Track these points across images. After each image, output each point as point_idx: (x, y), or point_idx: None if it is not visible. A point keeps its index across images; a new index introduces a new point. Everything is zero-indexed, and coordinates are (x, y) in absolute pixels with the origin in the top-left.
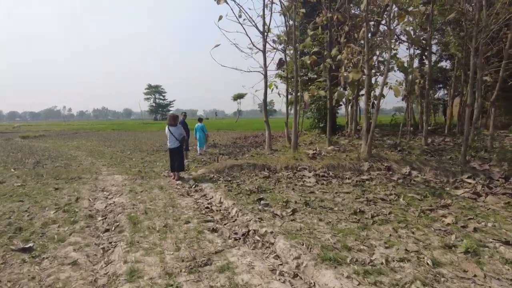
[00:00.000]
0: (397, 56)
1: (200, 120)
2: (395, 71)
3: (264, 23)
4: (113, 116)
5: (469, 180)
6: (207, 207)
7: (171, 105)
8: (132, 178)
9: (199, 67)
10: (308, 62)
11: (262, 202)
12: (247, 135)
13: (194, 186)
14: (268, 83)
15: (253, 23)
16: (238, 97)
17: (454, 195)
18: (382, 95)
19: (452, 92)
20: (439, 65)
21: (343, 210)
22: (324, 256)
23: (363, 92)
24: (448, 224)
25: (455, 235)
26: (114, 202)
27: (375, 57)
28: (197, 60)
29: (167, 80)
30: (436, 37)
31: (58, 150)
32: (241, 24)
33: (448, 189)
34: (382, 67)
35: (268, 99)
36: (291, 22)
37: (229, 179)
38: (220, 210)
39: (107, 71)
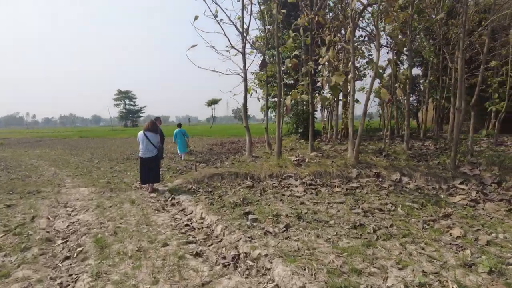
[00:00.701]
0: (373, 61)
1: (179, 125)
2: (370, 76)
3: (243, 24)
4: (81, 123)
5: (462, 186)
6: (187, 225)
7: (142, 111)
8: (100, 191)
9: (172, 72)
10: (289, 65)
11: (249, 216)
12: (223, 141)
13: (170, 199)
14: (247, 87)
15: (232, 22)
16: (212, 102)
17: (451, 203)
18: (369, 99)
19: (427, 97)
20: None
21: (340, 223)
22: (333, 284)
23: (341, 96)
24: (458, 237)
25: (470, 250)
26: (78, 220)
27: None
28: (170, 64)
29: (138, 86)
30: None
31: (17, 160)
32: (218, 23)
33: (443, 196)
34: (357, 72)
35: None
36: (269, 27)
37: (210, 190)
38: (202, 227)
39: (75, 76)
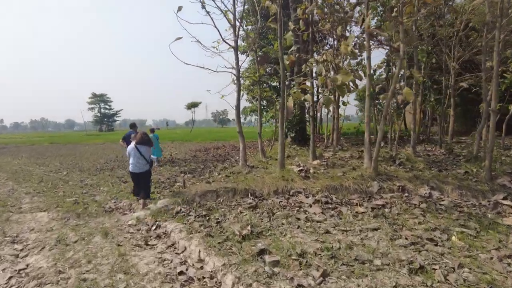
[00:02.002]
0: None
1: (152, 130)
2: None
3: (235, 15)
4: (54, 127)
5: (507, 202)
6: (181, 272)
7: (118, 115)
8: (64, 217)
9: (149, 74)
10: (287, 62)
11: (266, 258)
12: (207, 147)
13: (154, 227)
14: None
15: (222, 12)
16: (192, 105)
17: (506, 225)
18: (391, 100)
19: (421, 99)
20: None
21: (390, 264)
22: None
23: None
24: None
25: None
26: (27, 266)
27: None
28: (146, 66)
29: (114, 88)
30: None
31: None
32: (208, 13)
33: (490, 216)
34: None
35: (223, 108)
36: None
37: (204, 213)
38: (204, 277)
39: (47, 77)
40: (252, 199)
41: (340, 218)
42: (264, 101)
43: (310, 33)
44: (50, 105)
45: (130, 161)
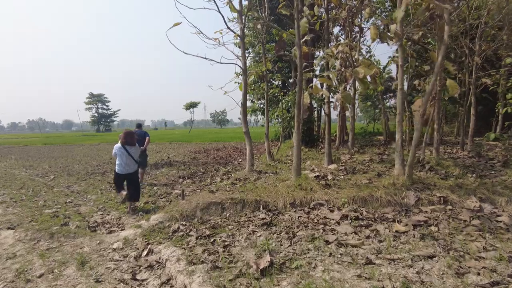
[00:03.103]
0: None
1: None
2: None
3: (241, 1)
4: (51, 128)
5: None
6: None
7: (116, 115)
8: (34, 237)
9: (148, 74)
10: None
11: None
12: (207, 148)
13: (146, 252)
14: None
15: None
16: (191, 106)
17: None
18: (430, 95)
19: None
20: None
21: None
22: None
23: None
24: None
25: None
26: None
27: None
28: (145, 66)
29: (112, 89)
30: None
31: None
32: None
33: None
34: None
35: (222, 108)
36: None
37: (207, 232)
38: None
39: (45, 77)
40: (265, 213)
41: (380, 241)
42: (263, 101)
43: (326, 21)
44: (48, 106)
45: (117, 162)
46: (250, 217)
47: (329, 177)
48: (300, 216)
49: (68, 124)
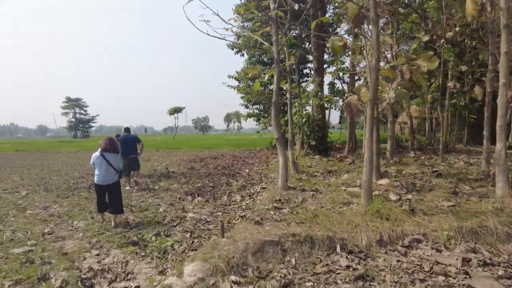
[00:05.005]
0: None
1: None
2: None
3: None
4: (24, 133)
5: None
6: None
7: (94, 121)
8: None
9: (125, 79)
10: (340, 44)
11: None
12: (201, 156)
13: None
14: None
15: None
16: (175, 111)
17: None
18: None
19: (447, 103)
20: None
21: None
22: None
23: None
24: None
25: None
26: None
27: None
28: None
29: (88, 93)
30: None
31: None
32: None
33: None
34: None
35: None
36: None
37: None
38: None
39: (16, 80)
40: (347, 257)
41: None
42: (258, 106)
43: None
44: (20, 110)
45: (96, 172)
46: (327, 264)
47: (392, 197)
48: (400, 261)
49: (42, 130)
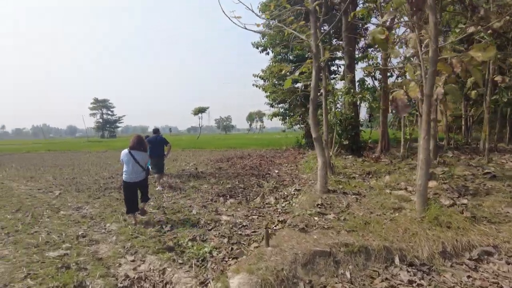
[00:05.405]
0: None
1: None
2: None
3: None
4: (55, 133)
5: None
6: None
7: (121, 121)
8: None
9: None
10: (382, 37)
11: None
12: (228, 156)
13: None
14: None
15: None
16: (199, 111)
17: None
18: None
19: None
20: None
21: None
22: None
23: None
24: None
25: None
26: None
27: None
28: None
29: (116, 94)
30: None
31: None
32: None
33: None
34: None
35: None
36: None
37: None
38: None
39: (48, 82)
40: (408, 270)
41: None
42: (284, 104)
43: None
44: (52, 111)
45: (124, 169)
46: (387, 278)
47: (444, 201)
48: (471, 277)
49: (72, 130)
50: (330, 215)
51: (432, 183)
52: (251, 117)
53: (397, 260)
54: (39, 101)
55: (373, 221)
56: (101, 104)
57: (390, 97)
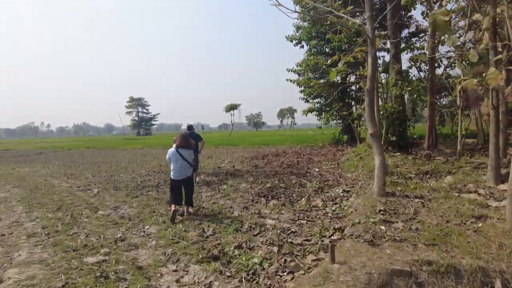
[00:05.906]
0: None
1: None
2: None
3: None
4: (94, 131)
5: None
6: None
7: (155, 119)
8: None
9: (181, 78)
10: (446, 18)
11: None
12: (263, 153)
13: None
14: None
15: None
16: (231, 108)
17: None
18: None
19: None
20: None
21: None
22: None
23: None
24: None
25: None
26: None
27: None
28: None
29: (151, 93)
30: None
31: None
32: None
33: None
34: None
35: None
36: None
37: None
38: None
39: (88, 83)
40: None
41: None
42: (320, 99)
43: None
44: (91, 110)
45: (172, 167)
46: None
47: None
48: None
49: (109, 128)
50: (398, 224)
51: (502, 186)
52: (282, 113)
53: (498, 285)
54: (80, 101)
55: (453, 233)
56: (136, 103)
57: (459, 87)
